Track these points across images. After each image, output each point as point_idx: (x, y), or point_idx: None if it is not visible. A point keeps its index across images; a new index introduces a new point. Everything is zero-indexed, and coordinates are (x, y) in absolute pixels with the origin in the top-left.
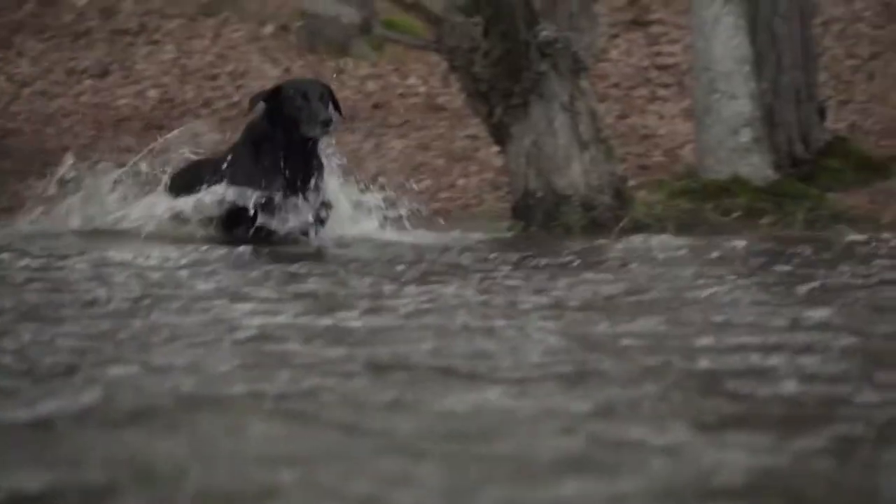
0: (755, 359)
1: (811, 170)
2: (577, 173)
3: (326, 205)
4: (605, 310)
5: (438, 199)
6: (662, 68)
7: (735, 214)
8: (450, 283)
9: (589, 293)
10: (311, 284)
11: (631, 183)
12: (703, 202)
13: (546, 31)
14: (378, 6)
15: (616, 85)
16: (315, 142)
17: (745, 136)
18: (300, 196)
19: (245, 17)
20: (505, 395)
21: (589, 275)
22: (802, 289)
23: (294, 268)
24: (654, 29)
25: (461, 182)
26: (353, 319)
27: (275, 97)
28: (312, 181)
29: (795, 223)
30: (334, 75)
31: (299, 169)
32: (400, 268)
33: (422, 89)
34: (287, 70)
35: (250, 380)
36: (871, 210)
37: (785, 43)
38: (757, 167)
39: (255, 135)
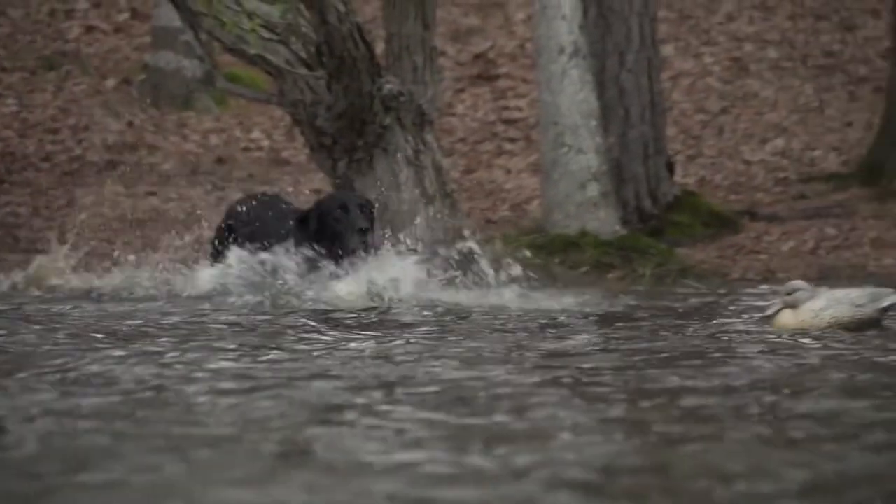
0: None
1: (659, 224)
2: (422, 227)
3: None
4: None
5: None
6: (509, 122)
7: (583, 269)
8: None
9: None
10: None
11: (477, 237)
12: (550, 256)
13: (390, 85)
14: (221, 59)
15: (462, 139)
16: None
17: (593, 190)
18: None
19: (87, 70)
20: None
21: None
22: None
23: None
24: (501, 83)
25: None
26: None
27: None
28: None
29: (643, 278)
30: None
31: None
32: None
33: (265, 143)
34: (130, 124)
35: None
36: (720, 265)
37: (633, 97)
38: (604, 222)
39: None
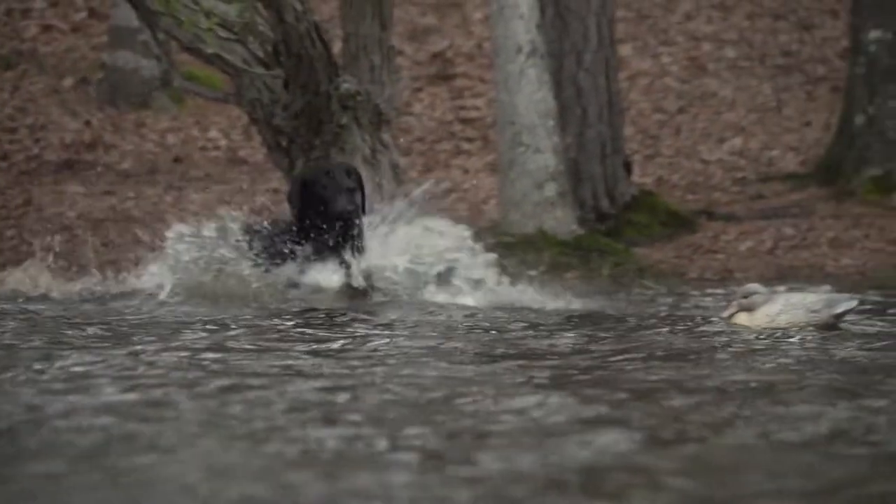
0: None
1: (617, 224)
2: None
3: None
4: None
5: None
6: (467, 122)
7: (540, 269)
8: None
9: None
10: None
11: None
12: (507, 256)
13: (347, 84)
14: (178, 58)
15: (420, 139)
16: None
17: (550, 190)
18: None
19: (44, 69)
20: None
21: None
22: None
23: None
24: (458, 83)
25: None
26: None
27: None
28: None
29: (601, 278)
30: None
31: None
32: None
33: (223, 143)
34: (87, 123)
35: None
36: (678, 265)
37: (590, 97)
38: (562, 221)
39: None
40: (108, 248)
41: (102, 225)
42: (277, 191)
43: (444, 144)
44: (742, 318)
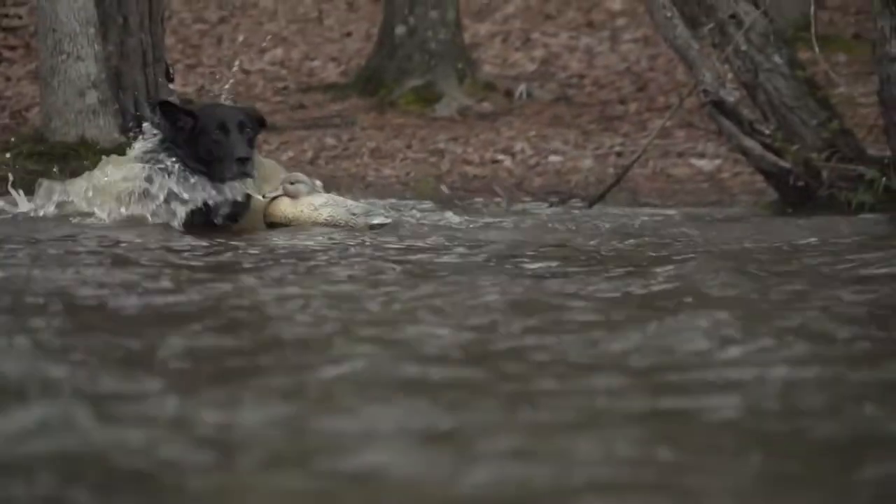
0: None
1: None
2: None
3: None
4: None
5: None
6: (9, 30)
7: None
8: None
9: None
10: None
11: None
12: (50, 164)
13: None
14: None
15: None
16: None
17: (92, 97)
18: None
19: None
20: None
21: None
22: None
23: None
24: None
25: None
26: None
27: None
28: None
29: None
30: None
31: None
32: None
33: None
34: None
35: None
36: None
37: (131, 5)
38: (104, 129)
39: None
40: None
41: None
42: None
43: None
44: (285, 203)
